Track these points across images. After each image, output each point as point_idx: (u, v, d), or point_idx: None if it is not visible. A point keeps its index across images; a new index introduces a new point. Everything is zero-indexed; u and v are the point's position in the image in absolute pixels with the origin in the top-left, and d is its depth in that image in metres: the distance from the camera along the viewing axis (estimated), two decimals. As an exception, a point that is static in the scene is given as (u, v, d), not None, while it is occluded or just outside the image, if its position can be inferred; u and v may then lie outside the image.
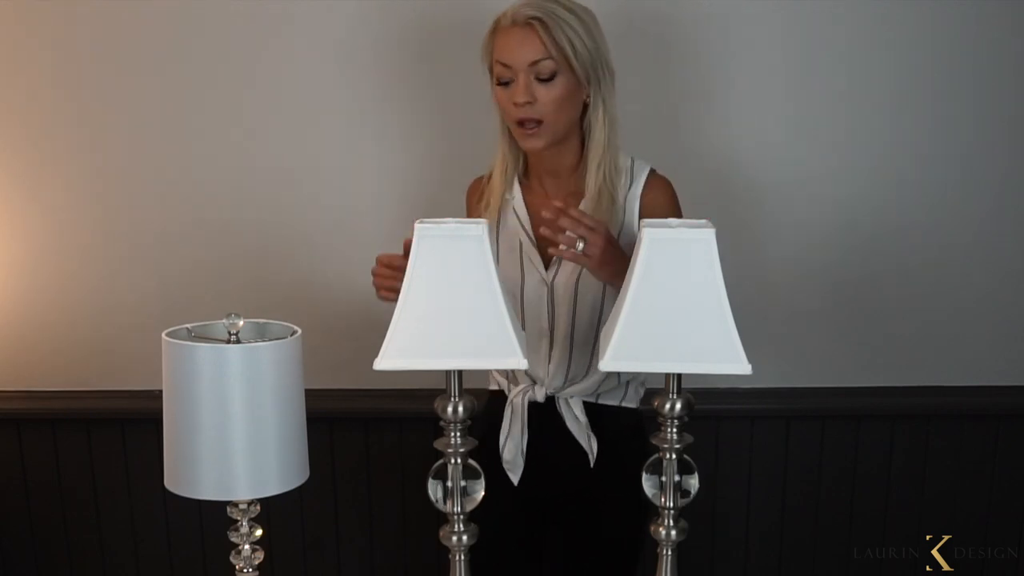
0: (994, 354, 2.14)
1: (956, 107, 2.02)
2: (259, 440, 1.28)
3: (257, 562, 1.37)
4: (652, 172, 1.63)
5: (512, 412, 1.69)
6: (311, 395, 1.39)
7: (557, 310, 1.62)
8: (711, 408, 2.07)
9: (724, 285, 1.19)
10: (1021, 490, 2.19)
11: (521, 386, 1.69)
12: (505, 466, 1.69)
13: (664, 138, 1.98)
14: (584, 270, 1.56)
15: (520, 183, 1.66)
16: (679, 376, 1.25)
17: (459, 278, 1.19)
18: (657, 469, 1.29)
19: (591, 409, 1.67)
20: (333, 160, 2.05)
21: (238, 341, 1.34)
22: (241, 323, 1.35)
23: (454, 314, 1.19)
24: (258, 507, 1.35)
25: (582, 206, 1.57)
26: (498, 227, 1.65)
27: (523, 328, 1.59)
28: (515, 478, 1.69)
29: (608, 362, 1.20)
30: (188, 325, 1.37)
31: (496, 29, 1.54)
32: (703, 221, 1.25)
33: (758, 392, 2.12)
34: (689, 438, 1.28)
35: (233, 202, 2.08)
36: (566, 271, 1.60)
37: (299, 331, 1.35)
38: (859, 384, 2.15)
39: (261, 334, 1.42)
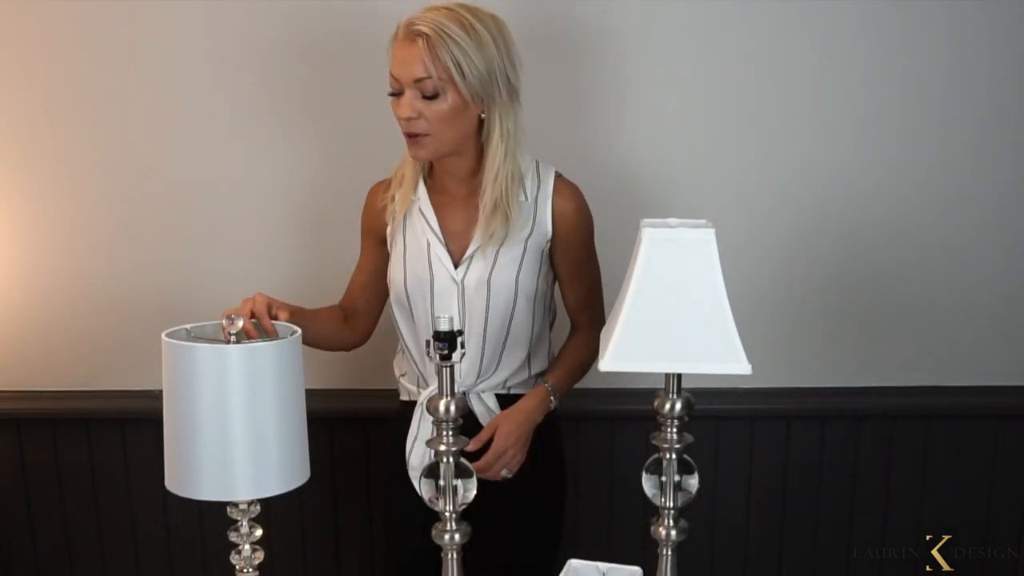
0: (994, 354, 2.14)
1: (957, 107, 2.02)
2: (260, 441, 1.28)
3: (257, 562, 1.37)
4: (559, 175, 1.65)
5: (422, 414, 1.67)
6: (311, 395, 1.39)
7: (469, 307, 1.62)
8: (711, 408, 2.07)
9: (724, 285, 1.19)
10: (1021, 490, 2.19)
11: (431, 387, 1.67)
12: (411, 473, 1.68)
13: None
14: (495, 267, 1.60)
15: (425, 183, 1.66)
16: (679, 376, 1.26)
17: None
18: (657, 469, 1.29)
19: (503, 400, 1.67)
20: (334, 158, 2.05)
21: (238, 342, 1.34)
22: (241, 323, 1.36)
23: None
24: (258, 507, 1.35)
25: (479, 221, 1.59)
26: (404, 227, 1.65)
27: (433, 327, 1.61)
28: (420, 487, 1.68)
29: (608, 362, 1.21)
30: (187, 326, 1.37)
31: (396, 36, 1.52)
32: (703, 221, 1.25)
33: (758, 392, 2.12)
34: (689, 438, 1.28)
35: (234, 201, 2.08)
36: (477, 268, 1.61)
37: (299, 331, 1.36)
38: (859, 384, 2.15)
39: (262, 336, 1.42)
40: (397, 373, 1.80)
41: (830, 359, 2.14)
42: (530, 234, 1.61)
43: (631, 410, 2.06)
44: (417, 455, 1.68)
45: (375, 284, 1.73)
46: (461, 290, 1.61)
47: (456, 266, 1.61)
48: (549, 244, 1.64)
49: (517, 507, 1.68)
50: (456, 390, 1.63)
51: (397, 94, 1.52)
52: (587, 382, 2.11)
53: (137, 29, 1.99)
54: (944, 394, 2.14)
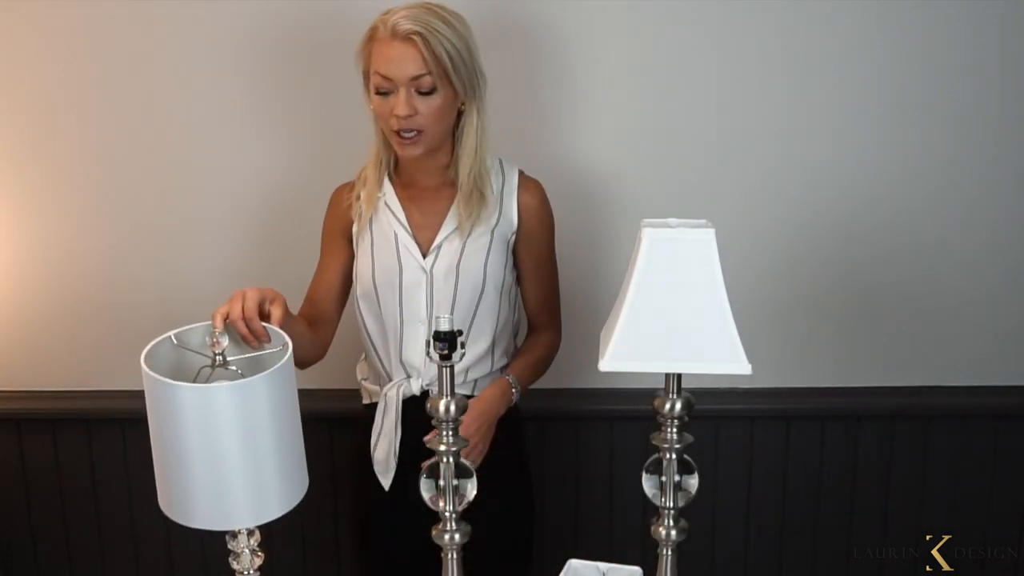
0: (994, 354, 2.14)
1: (955, 108, 2.02)
2: (256, 472, 1.19)
3: (257, 565, 1.36)
4: (522, 172, 1.70)
5: (386, 407, 1.69)
6: (311, 395, 1.38)
7: (437, 296, 1.64)
8: (711, 408, 2.07)
9: (724, 285, 1.19)
10: (1021, 490, 2.19)
11: (395, 380, 1.69)
12: (376, 468, 1.69)
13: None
14: (463, 253, 1.63)
15: (390, 178, 1.69)
16: (679, 376, 1.26)
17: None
18: (657, 469, 1.29)
19: None
20: (331, 159, 2.04)
21: (224, 360, 1.28)
22: (226, 341, 1.29)
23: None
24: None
25: (454, 207, 1.63)
26: (371, 223, 1.68)
27: (400, 319, 1.65)
28: (386, 482, 1.69)
29: (608, 362, 1.20)
30: (172, 333, 1.28)
31: (374, 38, 1.55)
32: (703, 221, 1.25)
33: (758, 392, 2.12)
34: (689, 438, 1.28)
35: (232, 201, 2.07)
36: (445, 257, 1.64)
37: (290, 346, 1.26)
38: (859, 384, 2.15)
39: (248, 349, 1.37)
40: (359, 377, 1.81)
41: (830, 359, 2.14)
42: (496, 224, 1.65)
43: (631, 410, 2.06)
44: (382, 449, 1.69)
45: (341, 284, 1.74)
46: (430, 279, 1.64)
47: (424, 256, 1.65)
48: (514, 236, 1.68)
49: (485, 506, 1.64)
50: (422, 384, 1.66)
51: (386, 93, 1.54)
52: (587, 382, 2.12)
53: (127, 30, 1.99)
54: (944, 394, 2.14)
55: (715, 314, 1.19)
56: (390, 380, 1.71)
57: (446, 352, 1.26)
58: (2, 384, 2.18)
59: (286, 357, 1.22)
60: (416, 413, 1.66)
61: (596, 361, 1.23)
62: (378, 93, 1.55)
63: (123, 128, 2.04)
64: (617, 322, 1.20)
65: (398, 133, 1.55)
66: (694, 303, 1.19)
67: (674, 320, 1.19)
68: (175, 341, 1.28)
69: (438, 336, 1.25)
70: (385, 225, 1.67)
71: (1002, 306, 2.11)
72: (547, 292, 1.76)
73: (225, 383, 1.16)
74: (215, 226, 2.09)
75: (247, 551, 1.34)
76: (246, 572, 1.35)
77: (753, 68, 1.99)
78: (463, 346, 1.28)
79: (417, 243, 1.65)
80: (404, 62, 1.51)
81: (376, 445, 1.70)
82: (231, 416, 1.14)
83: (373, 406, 1.74)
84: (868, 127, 2.02)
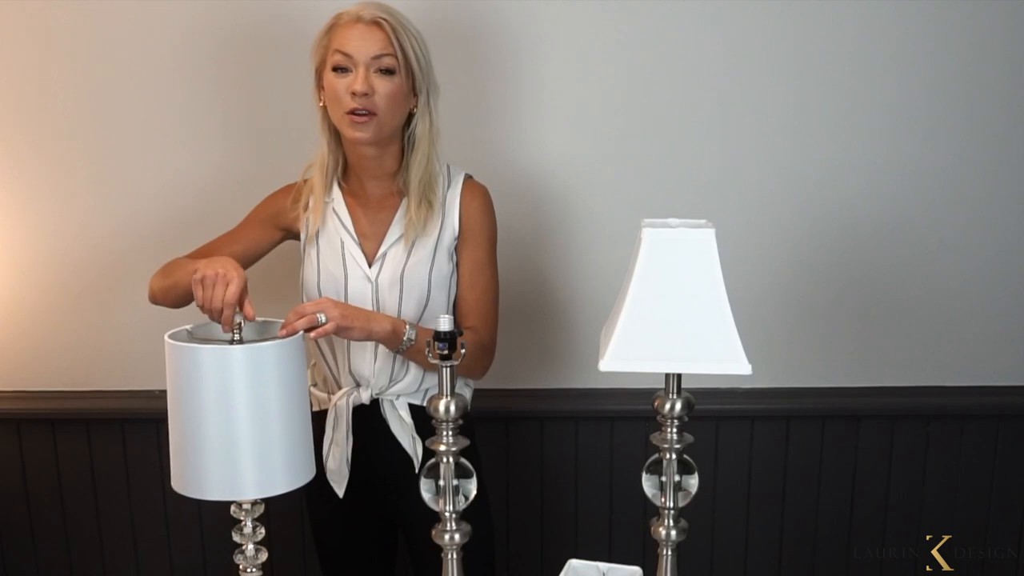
0: (994, 354, 2.14)
1: (953, 109, 2.02)
2: (264, 440, 1.27)
3: (261, 561, 1.37)
4: (469, 177, 1.70)
5: (336, 417, 1.67)
6: (311, 395, 1.39)
7: (383, 306, 1.63)
8: (711, 408, 2.08)
9: (724, 285, 1.19)
10: (1021, 490, 2.19)
11: (344, 389, 1.68)
12: (329, 477, 1.68)
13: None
14: (407, 264, 1.62)
15: (340, 185, 1.68)
16: (679, 376, 1.26)
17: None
18: (657, 469, 1.29)
19: (418, 412, 1.67)
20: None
21: (240, 341, 1.34)
22: (240, 320, 1.36)
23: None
24: (262, 506, 1.35)
25: (401, 212, 1.64)
26: (319, 232, 1.67)
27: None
28: (339, 490, 1.68)
29: (608, 362, 1.21)
30: (188, 326, 1.38)
31: (335, 25, 1.57)
32: (702, 221, 1.25)
33: (758, 392, 2.12)
34: (689, 438, 1.28)
35: (234, 200, 2.07)
36: (390, 267, 1.63)
37: (301, 330, 1.36)
38: (859, 384, 2.15)
39: (263, 333, 1.42)
40: (308, 383, 1.76)
41: (830, 359, 2.14)
42: (440, 232, 1.64)
43: (631, 410, 2.06)
44: (335, 458, 1.68)
45: (240, 261, 1.63)
46: (375, 288, 1.63)
47: (370, 265, 1.64)
48: (457, 242, 1.67)
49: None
50: (371, 393, 1.66)
51: (344, 70, 1.54)
52: (587, 382, 2.12)
53: (126, 29, 2.00)
54: (944, 394, 2.14)
55: (715, 314, 1.19)
56: (339, 387, 1.69)
57: (446, 352, 1.26)
58: (2, 384, 2.18)
59: (295, 337, 1.34)
60: (366, 421, 1.67)
61: (596, 361, 1.23)
62: (335, 70, 1.55)
63: (125, 130, 2.04)
64: (617, 322, 1.21)
65: (350, 114, 1.54)
66: (694, 303, 1.19)
67: (674, 320, 1.19)
68: (191, 332, 1.38)
69: (438, 336, 1.25)
70: (332, 232, 1.66)
71: (1002, 307, 2.11)
72: (479, 297, 1.68)
73: (239, 346, 1.28)
74: (216, 226, 2.08)
75: (251, 547, 1.35)
76: (250, 569, 1.36)
77: (747, 70, 1.99)
78: (463, 346, 1.28)
79: (363, 252, 1.65)
80: (368, 41, 1.53)
81: (328, 455, 1.68)
82: (244, 378, 1.25)
83: (322, 413, 1.71)
84: (869, 130, 2.02)
